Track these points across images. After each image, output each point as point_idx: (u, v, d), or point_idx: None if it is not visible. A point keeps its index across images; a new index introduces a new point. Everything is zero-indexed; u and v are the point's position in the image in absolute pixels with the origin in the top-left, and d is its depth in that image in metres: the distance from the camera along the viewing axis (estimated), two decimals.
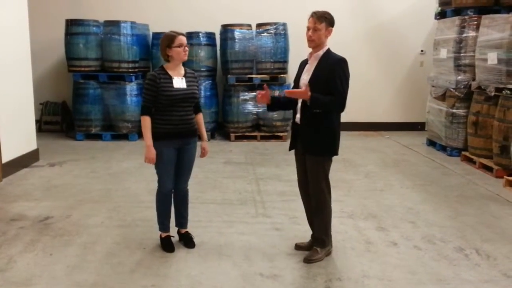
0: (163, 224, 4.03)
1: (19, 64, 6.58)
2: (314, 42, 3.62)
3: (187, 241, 4.09)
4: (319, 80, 3.56)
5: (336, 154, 3.74)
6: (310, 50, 3.74)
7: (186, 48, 3.81)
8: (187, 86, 3.82)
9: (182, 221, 4.13)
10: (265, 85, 3.86)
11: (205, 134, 4.09)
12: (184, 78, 3.84)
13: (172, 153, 3.83)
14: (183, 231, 4.14)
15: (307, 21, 3.65)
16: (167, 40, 3.77)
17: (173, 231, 4.14)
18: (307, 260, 3.77)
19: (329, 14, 3.64)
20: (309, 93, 3.48)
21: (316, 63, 3.65)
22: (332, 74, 3.54)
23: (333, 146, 3.71)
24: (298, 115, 3.73)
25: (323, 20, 3.58)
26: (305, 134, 3.68)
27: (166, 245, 3.99)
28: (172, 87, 3.75)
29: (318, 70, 3.61)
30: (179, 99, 3.76)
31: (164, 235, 4.04)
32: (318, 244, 3.84)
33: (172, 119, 3.78)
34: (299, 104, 3.71)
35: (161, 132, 3.77)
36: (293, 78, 3.98)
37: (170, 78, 3.78)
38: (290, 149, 3.94)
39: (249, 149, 8.05)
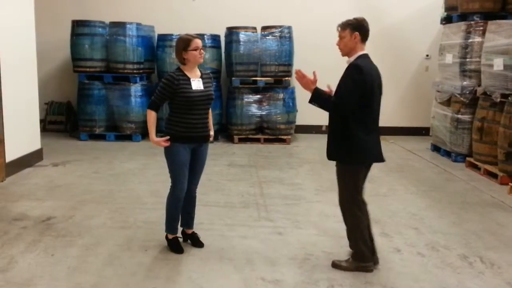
0: (173, 226, 4.02)
1: (25, 64, 6.60)
2: (342, 50, 3.67)
3: (195, 241, 4.12)
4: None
5: (360, 162, 3.63)
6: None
7: (202, 51, 3.84)
8: (204, 87, 3.87)
9: (190, 222, 4.15)
10: (314, 72, 3.69)
11: (211, 127, 4.09)
12: (201, 79, 3.87)
13: (187, 153, 3.86)
14: (189, 231, 4.16)
15: None
16: (183, 43, 3.80)
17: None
18: (333, 264, 3.75)
19: (354, 19, 3.66)
20: (315, 86, 3.55)
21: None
22: (342, 78, 3.58)
23: (351, 154, 3.57)
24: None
25: (346, 27, 3.61)
26: (329, 140, 3.69)
27: (176, 247, 3.99)
28: (191, 88, 3.79)
29: (342, 76, 3.62)
30: (198, 100, 3.80)
31: (171, 236, 4.04)
32: (352, 254, 3.78)
33: (190, 122, 3.81)
34: None
35: (177, 134, 3.80)
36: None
37: (189, 79, 3.81)
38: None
39: (252, 151, 8.03)
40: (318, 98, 3.56)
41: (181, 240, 4.10)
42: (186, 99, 3.77)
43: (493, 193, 5.86)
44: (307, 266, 3.79)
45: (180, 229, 4.15)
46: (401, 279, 3.61)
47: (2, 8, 5.91)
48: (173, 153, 3.82)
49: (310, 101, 3.60)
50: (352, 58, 3.62)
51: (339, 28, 3.64)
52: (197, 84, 3.82)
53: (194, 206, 4.13)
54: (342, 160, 3.65)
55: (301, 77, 3.59)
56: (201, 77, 3.91)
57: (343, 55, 3.68)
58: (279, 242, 4.25)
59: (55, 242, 4.14)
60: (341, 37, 3.63)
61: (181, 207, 4.02)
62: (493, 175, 6.48)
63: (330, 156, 3.70)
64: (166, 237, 4.06)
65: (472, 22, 7.38)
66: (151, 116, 3.82)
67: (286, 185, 6.02)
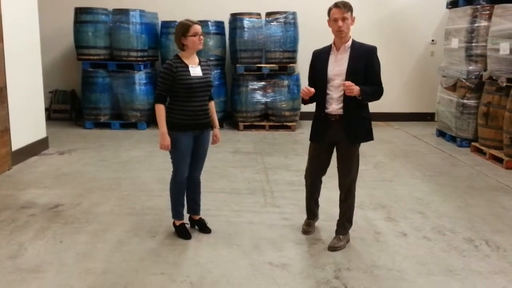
0: (178, 212, 4.05)
1: (29, 53, 6.60)
2: (344, 32, 3.62)
3: (202, 227, 4.15)
4: (357, 70, 3.60)
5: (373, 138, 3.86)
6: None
7: (201, 37, 3.81)
8: (203, 74, 3.86)
9: (196, 208, 4.17)
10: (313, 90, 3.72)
11: (217, 122, 4.10)
12: (199, 66, 3.86)
13: (189, 141, 3.86)
14: (196, 217, 4.19)
15: (328, 14, 3.67)
16: (182, 29, 3.76)
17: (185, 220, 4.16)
18: (333, 248, 3.81)
19: (349, 3, 3.65)
20: (358, 88, 3.53)
21: (348, 53, 3.66)
22: (370, 64, 3.64)
23: (372, 131, 3.81)
24: (333, 106, 3.69)
25: (348, 9, 3.60)
26: (351, 124, 3.70)
27: (183, 233, 4.01)
28: (189, 75, 3.77)
29: (354, 60, 3.62)
30: (197, 87, 3.79)
31: (178, 223, 4.06)
32: (341, 232, 3.90)
33: (190, 110, 3.80)
34: (333, 95, 3.68)
35: (178, 123, 3.80)
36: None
37: (187, 66, 3.79)
38: (316, 140, 3.89)
39: (257, 138, 8.04)
40: (367, 95, 3.60)
41: (188, 226, 4.13)
42: (185, 86, 3.75)
43: (499, 178, 5.86)
44: (314, 251, 3.81)
45: (187, 215, 4.18)
46: (407, 263, 3.63)
47: None
48: (175, 141, 3.82)
49: (364, 101, 3.66)
50: (350, 41, 3.69)
51: (342, 10, 3.56)
52: (195, 70, 3.80)
53: (199, 192, 4.16)
54: (366, 140, 3.80)
55: (350, 86, 3.51)
56: (200, 64, 3.89)
57: (343, 37, 3.64)
58: (285, 227, 4.27)
59: (63, 229, 4.17)
60: (345, 19, 3.57)
61: (184, 193, 4.05)
62: (498, 160, 6.47)
63: (358, 139, 3.77)
64: (174, 224, 4.09)
65: (478, 6, 7.32)
66: (160, 109, 3.78)
67: (291, 171, 6.04)
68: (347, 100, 3.63)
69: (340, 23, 3.57)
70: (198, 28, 3.77)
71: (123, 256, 3.68)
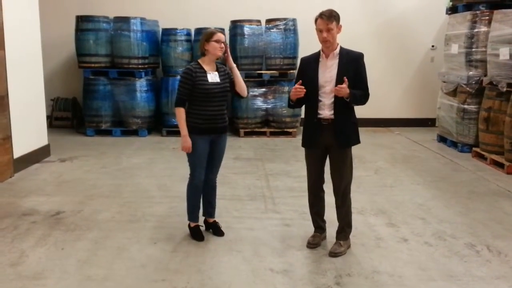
0: (194, 214, 4.13)
1: (30, 60, 6.62)
2: (330, 42, 3.68)
3: (216, 230, 4.23)
4: (346, 76, 3.63)
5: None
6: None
7: (223, 45, 3.94)
8: (221, 80, 3.96)
9: (210, 210, 4.26)
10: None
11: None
12: (217, 72, 3.97)
13: (206, 144, 3.96)
14: (211, 220, 4.27)
15: (315, 23, 3.70)
16: (206, 34, 3.95)
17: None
18: (333, 254, 3.81)
19: (335, 11, 3.69)
20: (348, 90, 3.59)
21: (336, 60, 3.72)
22: (358, 70, 3.71)
23: (359, 135, 3.89)
24: (325, 111, 3.73)
25: (333, 19, 3.64)
26: (341, 128, 3.75)
27: (197, 234, 4.10)
28: (207, 81, 3.88)
29: (343, 67, 3.69)
30: (214, 93, 3.91)
31: (193, 224, 4.14)
32: (341, 237, 3.91)
33: (207, 114, 3.92)
34: (325, 101, 3.72)
35: (195, 126, 3.91)
36: None
37: (205, 72, 3.91)
38: (309, 146, 3.92)
39: (258, 145, 8.05)
40: (355, 99, 3.66)
41: (203, 228, 4.20)
42: (202, 92, 3.87)
43: (500, 183, 5.86)
44: (315, 257, 3.81)
45: (202, 218, 4.26)
46: (408, 268, 3.62)
47: (7, 4, 5.93)
48: (192, 144, 3.91)
49: (351, 104, 3.70)
50: (338, 49, 3.74)
51: (326, 21, 3.60)
52: (213, 77, 3.92)
53: (214, 195, 4.25)
54: (354, 143, 3.86)
55: (341, 87, 3.56)
56: (218, 70, 4.00)
57: (330, 48, 3.69)
58: (286, 233, 4.28)
59: (65, 236, 4.18)
60: (329, 29, 3.62)
61: (201, 196, 4.13)
62: (499, 165, 6.47)
63: (347, 143, 3.81)
64: (189, 226, 4.18)
65: (477, 12, 7.35)
66: (180, 112, 3.91)
67: (292, 177, 6.04)
68: (338, 105, 3.69)
69: (324, 34, 3.64)
70: (221, 36, 3.93)
71: (124, 263, 3.68)
